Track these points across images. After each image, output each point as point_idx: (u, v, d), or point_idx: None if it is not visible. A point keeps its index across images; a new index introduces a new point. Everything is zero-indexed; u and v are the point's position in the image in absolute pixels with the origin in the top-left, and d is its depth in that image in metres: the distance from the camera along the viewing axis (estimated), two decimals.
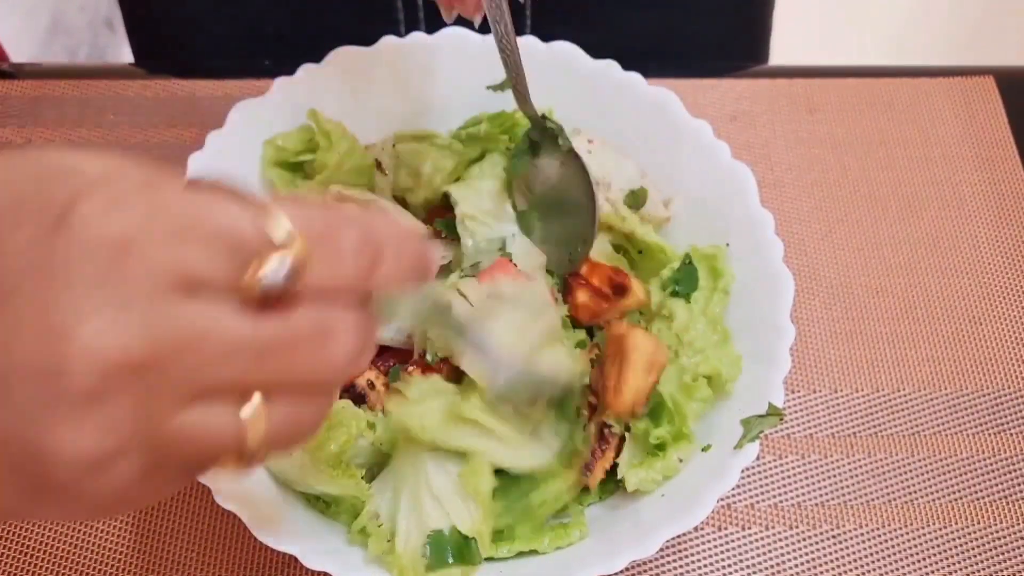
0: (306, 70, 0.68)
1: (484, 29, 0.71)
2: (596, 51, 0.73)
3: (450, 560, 0.54)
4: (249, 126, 0.67)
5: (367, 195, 0.66)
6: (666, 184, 0.68)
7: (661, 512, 0.57)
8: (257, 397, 0.32)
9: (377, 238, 0.34)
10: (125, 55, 1.05)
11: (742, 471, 0.56)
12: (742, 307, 0.63)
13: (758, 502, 0.67)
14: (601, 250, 0.66)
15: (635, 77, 0.69)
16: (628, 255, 0.68)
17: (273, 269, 0.31)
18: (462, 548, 0.54)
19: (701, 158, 0.67)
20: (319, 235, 0.32)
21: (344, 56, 0.69)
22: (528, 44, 0.70)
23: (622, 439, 0.61)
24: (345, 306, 0.33)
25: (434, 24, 0.73)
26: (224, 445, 0.32)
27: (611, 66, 0.70)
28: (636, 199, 0.68)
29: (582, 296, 0.62)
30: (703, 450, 0.59)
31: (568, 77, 0.70)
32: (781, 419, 0.58)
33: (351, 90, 0.70)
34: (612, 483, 0.62)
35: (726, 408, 0.61)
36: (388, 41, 0.70)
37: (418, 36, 0.71)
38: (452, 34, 0.71)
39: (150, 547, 0.64)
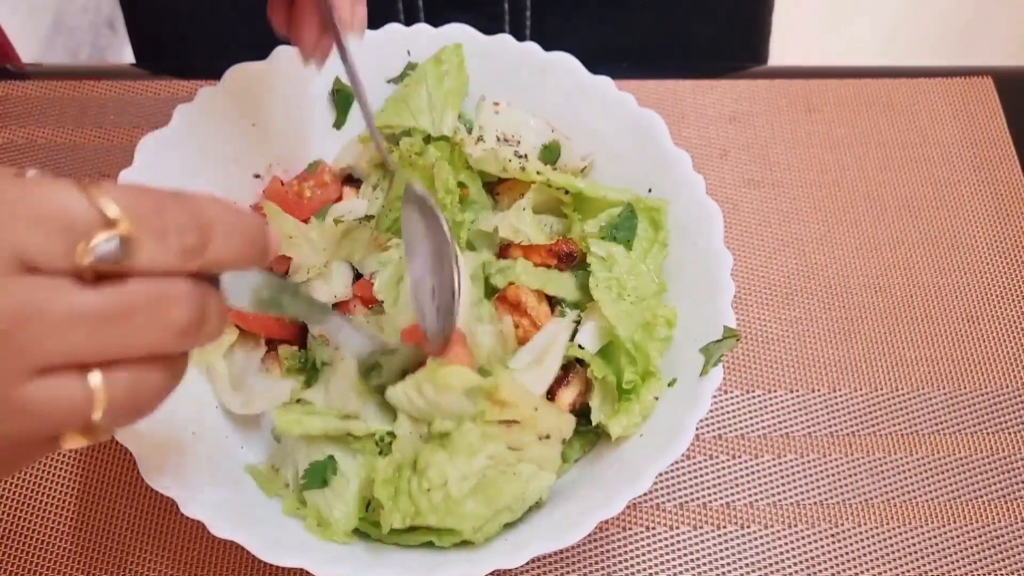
0: None
1: (488, 30, 0.71)
2: (596, 51, 0.74)
3: (321, 484, 0.60)
4: (242, 87, 0.68)
5: None
6: (586, 142, 0.70)
7: (645, 450, 0.58)
8: (97, 371, 0.34)
9: (205, 217, 0.37)
10: (126, 56, 1.06)
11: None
12: (679, 243, 0.65)
13: (757, 501, 0.67)
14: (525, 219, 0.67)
15: (531, 46, 0.71)
16: (562, 206, 0.69)
17: (103, 242, 0.33)
18: (330, 472, 0.60)
19: (610, 111, 0.68)
20: (147, 213, 0.35)
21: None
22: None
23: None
24: (181, 279, 0.36)
25: (434, 18, 0.74)
26: (70, 414, 0.34)
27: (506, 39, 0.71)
28: (551, 153, 0.69)
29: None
30: (669, 385, 0.61)
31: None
32: (738, 339, 0.60)
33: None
34: (592, 435, 0.63)
35: (682, 342, 0.62)
36: (393, 28, 0.71)
37: (421, 27, 0.72)
38: (455, 29, 0.71)
39: (151, 546, 0.64)
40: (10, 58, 1.00)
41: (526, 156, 0.68)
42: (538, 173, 0.67)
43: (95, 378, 0.34)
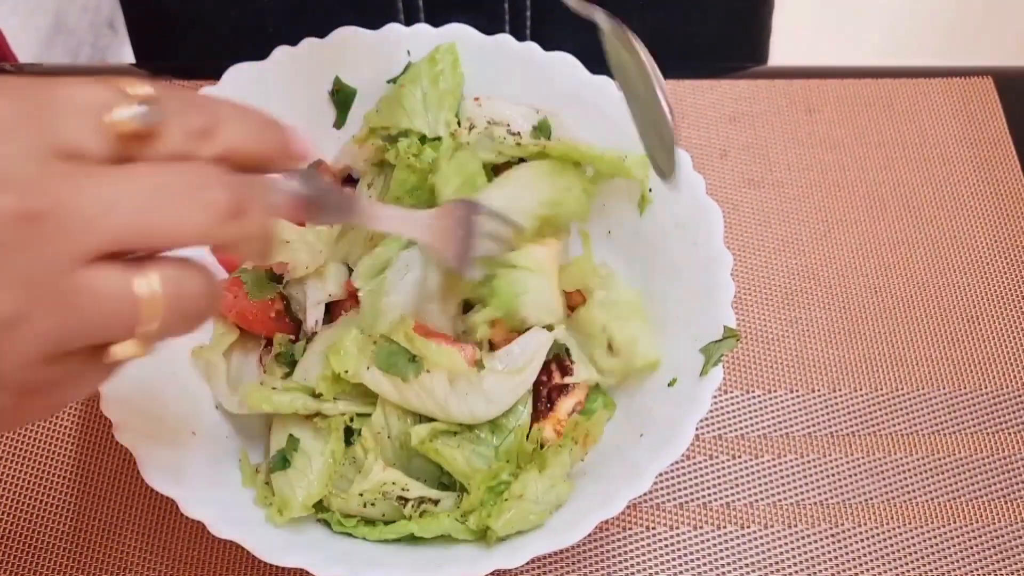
0: (310, 42, 0.69)
1: (488, 30, 0.71)
2: (596, 51, 0.74)
3: (286, 465, 0.60)
4: (242, 87, 0.67)
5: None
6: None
7: (645, 450, 0.58)
8: (147, 268, 0.34)
9: (211, 103, 0.37)
10: (126, 56, 1.05)
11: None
12: (679, 243, 0.65)
13: (757, 501, 0.67)
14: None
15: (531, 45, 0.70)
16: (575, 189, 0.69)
17: (133, 108, 0.34)
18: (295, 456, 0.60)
19: (610, 111, 0.68)
20: (163, 93, 0.35)
21: (347, 35, 0.70)
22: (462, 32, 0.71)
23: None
24: (208, 162, 0.36)
25: (435, 18, 0.74)
26: (120, 308, 0.34)
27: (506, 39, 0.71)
28: (544, 130, 0.69)
29: None
30: (669, 385, 0.61)
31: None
32: (738, 340, 0.60)
33: (355, 66, 0.71)
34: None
35: (682, 340, 0.62)
36: (393, 28, 0.72)
37: (421, 27, 0.72)
38: (455, 29, 0.71)
39: (151, 546, 0.64)
40: (5, 57, 1.00)
41: (519, 134, 0.68)
42: (534, 145, 0.67)
43: (145, 273, 0.34)
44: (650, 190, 0.67)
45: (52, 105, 0.33)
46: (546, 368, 0.64)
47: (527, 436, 0.61)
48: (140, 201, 0.33)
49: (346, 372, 0.59)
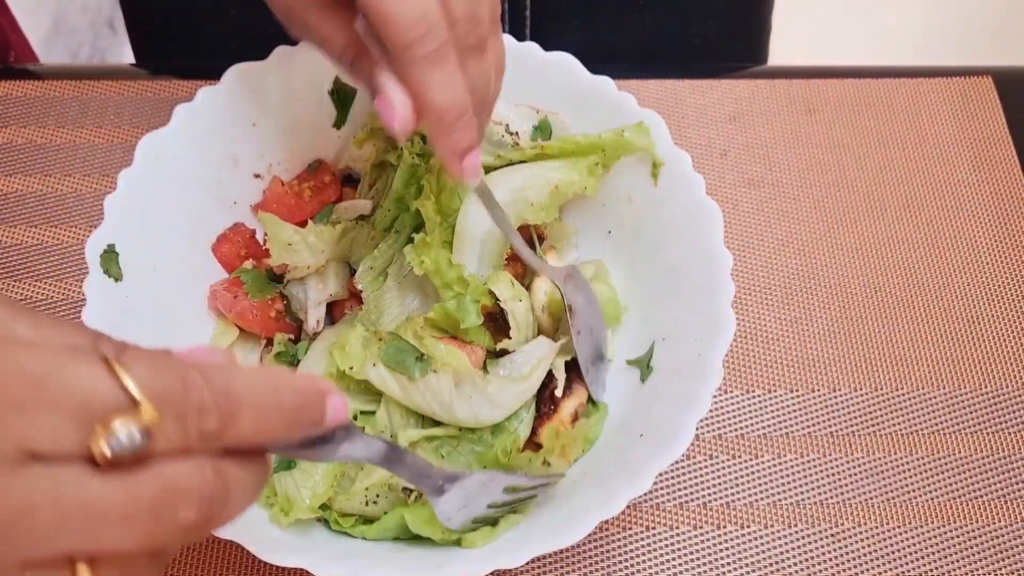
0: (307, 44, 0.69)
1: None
2: (596, 52, 0.74)
3: (291, 466, 0.60)
4: (242, 87, 0.67)
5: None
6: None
7: (645, 450, 0.58)
8: (85, 567, 0.31)
9: (232, 394, 0.33)
10: (126, 56, 1.05)
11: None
12: (679, 243, 0.65)
13: (757, 500, 0.67)
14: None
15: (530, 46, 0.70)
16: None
17: (121, 430, 0.30)
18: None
19: (610, 111, 0.68)
20: (171, 394, 0.31)
21: None
22: None
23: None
24: (200, 466, 0.32)
25: None
26: None
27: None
28: (544, 131, 0.69)
29: None
30: (669, 384, 0.61)
31: None
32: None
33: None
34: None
35: (682, 341, 0.62)
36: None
37: None
38: None
39: None
40: (22, 57, 1.00)
41: (517, 134, 0.68)
42: (531, 148, 0.67)
43: (83, 574, 0.31)
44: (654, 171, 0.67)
45: (38, 391, 0.29)
46: (549, 372, 0.64)
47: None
48: (100, 518, 0.30)
49: (351, 369, 0.59)
